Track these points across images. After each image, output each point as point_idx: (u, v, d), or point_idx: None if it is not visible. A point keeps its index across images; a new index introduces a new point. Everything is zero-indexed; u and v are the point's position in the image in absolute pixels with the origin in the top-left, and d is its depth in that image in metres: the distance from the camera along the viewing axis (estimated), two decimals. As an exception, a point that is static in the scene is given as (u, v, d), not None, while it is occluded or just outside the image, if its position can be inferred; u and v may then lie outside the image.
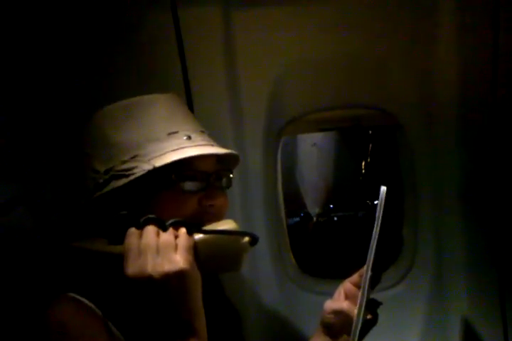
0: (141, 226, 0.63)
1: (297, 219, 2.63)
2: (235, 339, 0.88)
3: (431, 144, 1.20)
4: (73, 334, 0.62)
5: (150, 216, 0.63)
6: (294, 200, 2.65)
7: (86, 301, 0.66)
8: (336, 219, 2.51)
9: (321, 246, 2.29)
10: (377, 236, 0.68)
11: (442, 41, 1.13)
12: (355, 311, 0.74)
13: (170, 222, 0.64)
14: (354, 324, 0.71)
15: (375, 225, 0.68)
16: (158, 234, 0.62)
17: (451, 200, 1.21)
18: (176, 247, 0.61)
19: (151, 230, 0.62)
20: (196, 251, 0.64)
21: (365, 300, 0.71)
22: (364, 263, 0.74)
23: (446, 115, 1.17)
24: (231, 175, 0.81)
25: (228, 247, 0.69)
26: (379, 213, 0.68)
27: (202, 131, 0.78)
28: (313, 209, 2.86)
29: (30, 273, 0.91)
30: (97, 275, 0.70)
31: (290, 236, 1.37)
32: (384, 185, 0.70)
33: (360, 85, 1.18)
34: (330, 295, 0.87)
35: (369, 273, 0.70)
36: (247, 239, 0.69)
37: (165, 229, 0.63)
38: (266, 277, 1.20)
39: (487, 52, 1.10)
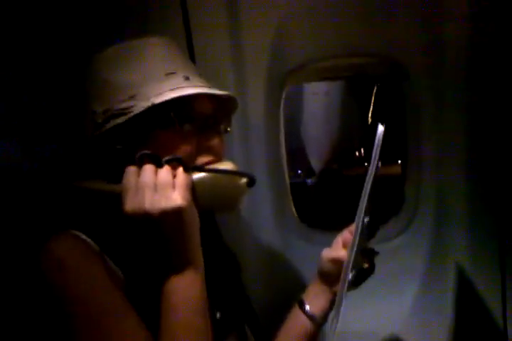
0: (136, 162, 0.63)
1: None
2: (233, 283, 0.89)
3: (438, 95, 1.16)
4: (71, 269, 0.62)
5: (145, 152, 0.63)
6: (296, 155, 2.62)
7: (85, 237, 0.67)
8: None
9: (322, 200, 2.30)
10: (372, 179, 0.67)
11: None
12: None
13: (166, 158, 0.64)
14: (344, 269, 0.71)
15: (371, 165, 0.67)
16: (156, 173, 0.62)
17: (454, 154, 1.19)
18: (173, 185, 0.62)
19: (149, 168, 0.62)
20: (193, 189, 0.65)
21: (356, 244, 0.71)
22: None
23: (455, 64, 1.12)
24: (229, 122, 0.80)
25: (225, 187, 0.69)
26: (376, 153, 0.66)
27: (199, 74, 0.76)
28: (317, 165, 2.83)
29: (29, 210, 0.91)
30: (97, 213, 0.71)
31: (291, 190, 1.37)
32: (383, 126, 0.68)
33: (365, 32, 1.14)
34: (328, 245, 0.87)
35: (362, 217, 0.70)
36: (244, 180, 0.70)
37: (160, 165, 0.63)
38: (266, 227, 1.21)
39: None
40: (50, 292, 0.62)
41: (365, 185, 0.68)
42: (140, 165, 0.63)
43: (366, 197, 0.69)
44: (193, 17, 1.04)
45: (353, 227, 0.84)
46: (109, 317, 0.62)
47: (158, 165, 0.64)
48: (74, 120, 0.76)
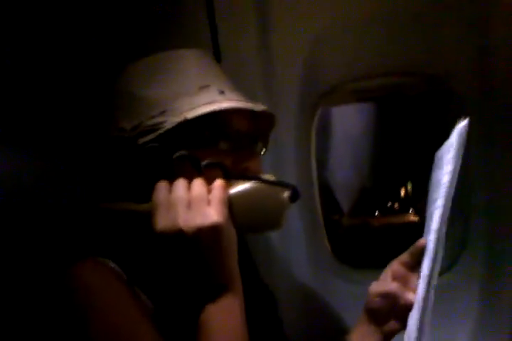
0: (174, 163, 0.61)
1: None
2: (270, 317, 0.82)
3: (488, 113, 1.06)
4: (97, 297, 0.58)
5: (183, 152, 0.60)
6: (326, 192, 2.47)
7: (112, 265, 0.63)
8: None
9: (357, 238, 2.15)
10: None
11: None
12: (419, 292, 0.67)
13: (205, 162, 0.60)
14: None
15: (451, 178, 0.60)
16: (189, 188, 0.57)
17: (506, 186, 1.08)
18: (209, 201, 0.56)
19: (181, 183, 0.58)
20: (231, 205, 0.59)
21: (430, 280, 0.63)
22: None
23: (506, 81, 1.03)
24: (267, 142, 0.76)
25: (266, 201, 0.62)
26: (455, 159, 0.59)
27: (235, 88, 0.72)
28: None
29: (54, 235, 0.87)
30: (126, 237, 0.67)
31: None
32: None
33: (405, 48, 1.07)
34: (366, 284, 0.78)
35: (440, 251, 0.63)
36: (286, 193, 0.62)
37: (200, 170, 0.60)
38: (299, 262, 1.12)
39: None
40: (73, 321, 0.57)
41: (442, 210, 0.62)
42: (178, 167, 0.61)
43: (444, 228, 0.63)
44: (222, 32, 1.01)
45: (404, 257, 0.74)
46: None
47: (197, 169, 0.61)
48: (97, 135, 0.72)
